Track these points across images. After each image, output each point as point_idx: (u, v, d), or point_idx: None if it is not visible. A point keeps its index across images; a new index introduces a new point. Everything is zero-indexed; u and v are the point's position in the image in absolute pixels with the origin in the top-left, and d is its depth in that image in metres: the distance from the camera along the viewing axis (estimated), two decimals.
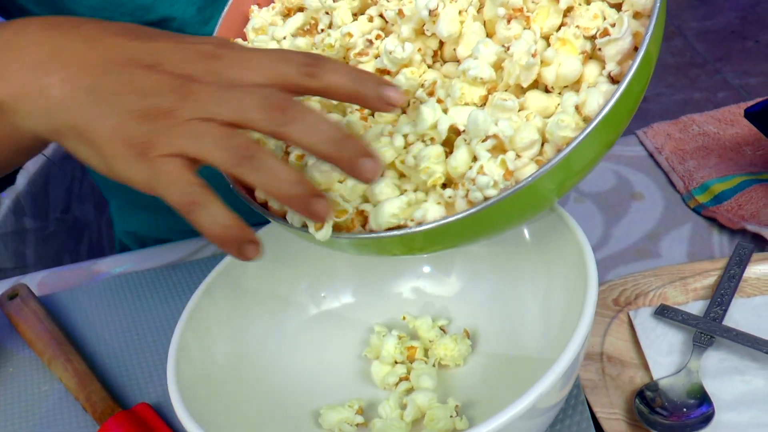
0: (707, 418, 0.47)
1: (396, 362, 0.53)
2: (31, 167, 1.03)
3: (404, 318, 0.55)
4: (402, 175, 0.42)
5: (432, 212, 0.39)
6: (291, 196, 0.36)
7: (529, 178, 0.36)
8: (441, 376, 0.52)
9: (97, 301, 0.70)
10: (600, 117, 0.36)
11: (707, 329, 0.52)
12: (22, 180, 1.00)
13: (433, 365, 0.52)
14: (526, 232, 0.51)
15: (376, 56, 0.45)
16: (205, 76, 0.38)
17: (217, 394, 0.47)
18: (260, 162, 0.36)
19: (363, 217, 0.41)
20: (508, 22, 0.41)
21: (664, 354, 0.53)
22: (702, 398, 0.48)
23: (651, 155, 0.77)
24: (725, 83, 2.53)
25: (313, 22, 0.49)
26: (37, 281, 0.75)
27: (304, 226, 0.41)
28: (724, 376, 0.50)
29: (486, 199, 0.37)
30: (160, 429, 0.55)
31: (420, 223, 0.39)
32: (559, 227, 0.47)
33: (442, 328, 0.54)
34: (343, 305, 0.57)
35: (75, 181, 1.13)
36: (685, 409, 0.48)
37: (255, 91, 0.37)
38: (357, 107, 0.44)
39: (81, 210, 1.11)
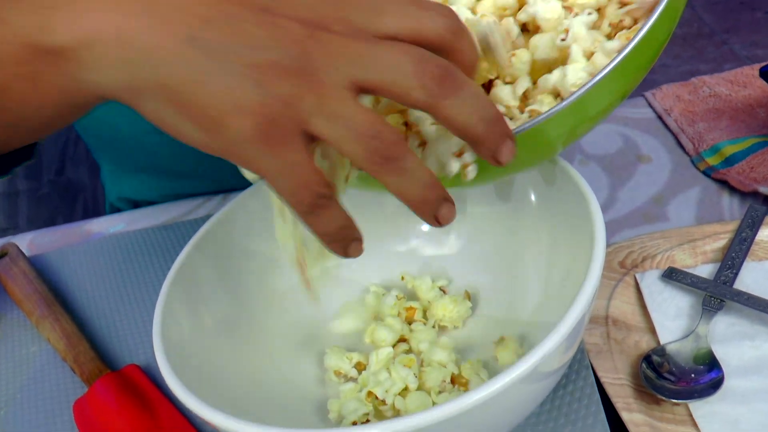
0: (716, 384, 0.45)
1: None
2: None
3: (403, 278, 0.53)
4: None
5: None
6: (423, 201, 0.33)
7: (548, 113, 0.34)
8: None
9: (88, 262, 0.68)
10: (625, 53, 0.34)
11: (717, 293, 0.50)
12: None
13: (433, 326, 0.50)
14: (529, 188, 0.49)
15: None
16: (332, 23, 0.31)
17: (205, 355, 0.45)
18: (403, 165, 0.31)
19: None
20: None
21: (672, 318, 0.51)
22: (711, 364, 0.46)
23: (659, 117, 0.74)
24: (732, 54, 2.49)
25: None
26: (27, 241, 0.73)
27: None
28: (733, 342, 0.48)
29: None
30: (149, 391, 0.53)
31: None
32: (564, 184, 0.45)
33: (442, 289, 0.52)
34: (337, 263, 0.55)
35: (69, 143, 1.11)
36: (693, 375, 0.46)
37: (407, 50, 0.30)
38: None
39: (75, 172, 1.09)
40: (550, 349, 0.35)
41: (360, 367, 0.49)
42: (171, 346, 0.42)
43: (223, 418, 0.36)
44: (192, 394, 0.38)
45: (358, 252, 0.36)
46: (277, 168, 0.31)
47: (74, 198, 1.08)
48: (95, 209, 1.10)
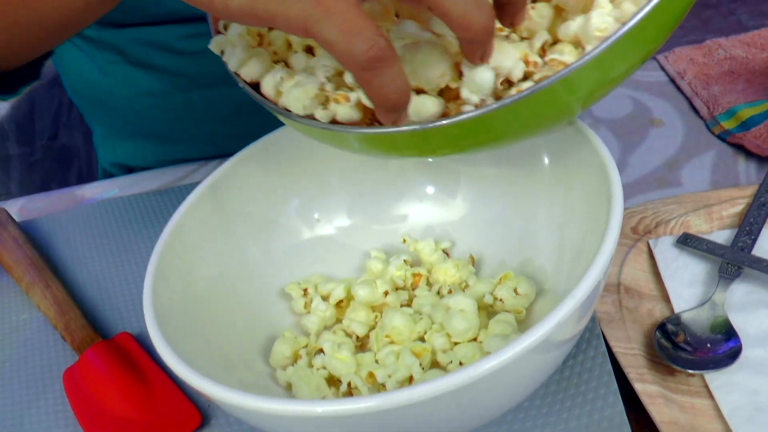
0: (734, 354, 0.43)
1: (397, 288, 0.49)
2: None
3: (404, 241, 0.51)
4: None
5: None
6: (393, 109, 0.31)
7: (569, 68, 0.32)
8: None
9: (80, 227, 0.66)
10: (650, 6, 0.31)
11: (735, 259, 0.48)
12: (4, 104, 0.95)
13: (437, 293, 0.48)
14: (542, 150, 0.46)
15: None
16: None
17: (198, 322, 0.43)
18: (387, 69, 0.30)
19: (367, 111, 0.36)
20: None
21: (686, 286, 0.49)
22: (728, 333, 0.44)
23: (672, 80, 0.72)
24: (740, 25, 2.44)
25: None
26: (17, 207, 0.71)
27: (310, 117, 0.37)
28: (750, 310, 0.46)
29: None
30: (142, 359, 0.51)
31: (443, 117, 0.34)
32: (578, 143, 0.43)
33: (445, 251, 0.50)
34: (337, 228, 0.53)
35: (63, 107, 1.08)
36: (709, 345, 0.44)
37: None
38: None
39: (69, 137, 1.06)
40: (563, 317, 0.33)
41: (340, 308, 0.47)
42: (162, 313, 0.40)
43: (213, 387, 0.34)
44: (183, 362, 0.36)
45: (403, 121, 0.33)
46: (323, 9, 0.29)
47: (68, 164, 1.05)
48: (90, 175, 1.08)
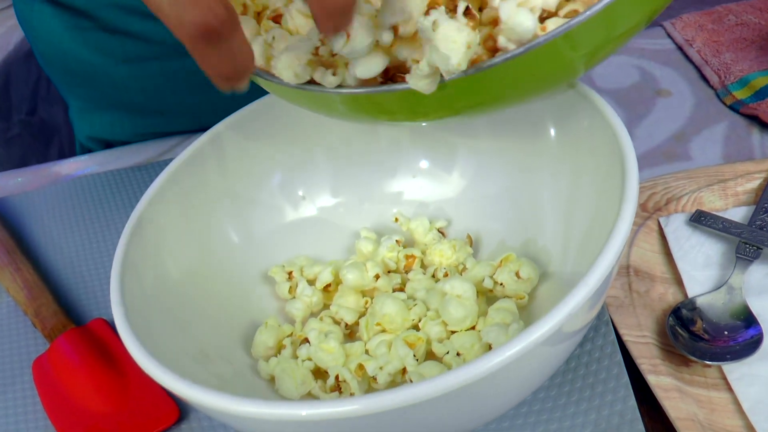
0: (755, 343, 0.39)
1: (389, 271, 0.45)
2: None
3: (396, 220, 0.47)
4: None
5: None
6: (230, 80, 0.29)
7: (578, 18, 0.28)
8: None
9: (55, 206, 0.63)
10: None
11: (753, 239, 0.45)
12: None
13: (432, 276, 0.44)
14: (547, 120, 0.43)
15: None
16: None
17: (172, 312, 0.39)
18: (225, 42, 0.27)
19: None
20: None
21: (701, 267, 0.45)
22: (747, 320, 0.41)
23: (680, 48, 0.68)
24: None
25: None
26: None
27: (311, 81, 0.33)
28: None
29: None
30: (117, 348, 0.48)
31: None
32: (586, 112, 0.39)
33: (440, 231, 0.47)
34: (323, 206, 0.49)
35: (42, 81, 1.04)
36: (726, 333, 0.41)
37: None
38: None
39: (49, 112, 1.03)
40: (576, 306, 0.29)
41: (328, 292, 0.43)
42: (132, 303, 0.36)
43: (184, 387, 0.31)
44: (153, 358, 0.33)
45: (244, 88, 0.30)
46: None
47: (48, 139, 1.02)
48: (72, 152, 1.04)
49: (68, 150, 1.04)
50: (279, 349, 0.42)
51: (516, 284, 0.41)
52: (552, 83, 0.34)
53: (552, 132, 0.42)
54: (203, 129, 0.45)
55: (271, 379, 0.41)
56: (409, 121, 0.36)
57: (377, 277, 0.43)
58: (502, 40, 0.29)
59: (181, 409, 0.43)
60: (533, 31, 0.29)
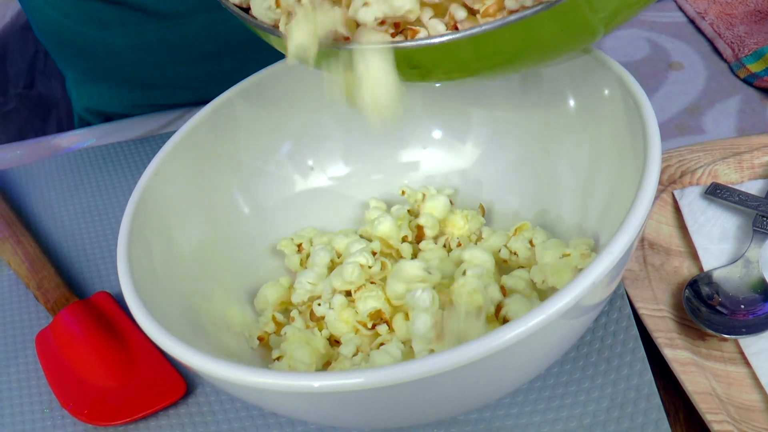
0: None
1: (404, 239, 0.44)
2: None
3: (403, 193, 0.46)
4: None
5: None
6: None
7: None
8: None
9: (55, 179, 0.62)
10: None
11: None
12: None
13: (444, 246, 0.44)
14: (564, 86, 0.41)
15: None
16: None
17: (179, 283, 0.38)
18: None
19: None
20: None
21: (716, 241, 0.44)
22: (764, 293, 0.40)
23: (692, 21, 0.67)
24: None
25: None
26: None
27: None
28: None
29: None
30: (121, 321, 0.47)
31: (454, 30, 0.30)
32: (607, 80, 0.38)
33: (450, 200, 0.46)
34: (333, 176, 0.48)
35: (39, 54, 1.02)
36: (743, 306, 0.40)
37: None
38: None
39: (47, 86, 1.01)
40: (596, 278, 0.28)
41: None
42: (139, 275, 0.35)
43: (194, 356, 0.30)
44: (162, 329, 0.32)
45: None
46: None
47: (47, 113, 1.00)
48: (70, 126, 1.03)
49: (66, 124, 1.02)
50: (282, 309, 0.41)
51: (529, 252, 0.41)
52: (572, 43, 0.33)
53: (571, 101, 0.41)
54: (202, 102, 0.44)
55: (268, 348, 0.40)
56: (422, 81, 0.35)
57: (405, 238, 0.43)
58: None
59: (188, 383, 0.43)
60: None
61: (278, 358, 0.38)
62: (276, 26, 0.33)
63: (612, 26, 0.33)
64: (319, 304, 0.40)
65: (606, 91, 0.38)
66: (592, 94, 0.39)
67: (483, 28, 0.29)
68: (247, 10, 0.35)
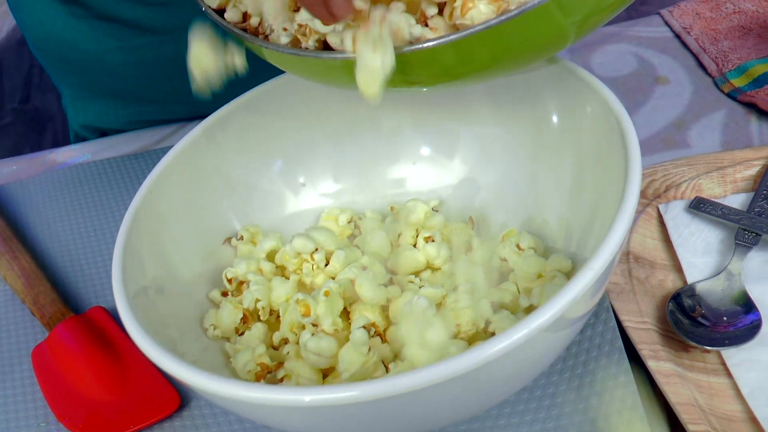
0: (753, 329, 0.40)
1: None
2: None
3: (392, 209, 0.47)
4: None
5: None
6: None
7: None
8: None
9: (51, 194, 0.62)
10: None
11: (752, 225, 0.45)
12: None
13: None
14: (548, 104, 0.42)
15: None
16: None
17: (173, 299, 0.39)
18: None
19: None
20: None
21: (700, 254, 0.45)
22: (746, 306, 0.41)
23: (678, 36, 0.68)
24: None
25: None
26: None
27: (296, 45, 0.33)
28: None
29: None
30: (116, 336, 0.48)
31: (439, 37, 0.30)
32: (589, 98, 0.39)
33: (434, 209, 0.47)
34: (323, 193, 0.48)
35: (34, 69, 1.04)
36: (726, 318, 0.41)
37: None
38: None
39: (42, 100, 1.02)
40: (579, 292, 0.29)
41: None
42: (133, 290, 0.36)
43: (189, 373, 0.31)
44: (156, 344, 0.33)
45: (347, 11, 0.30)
46: None
47: (42, 127, 1.01)
48: (66, 140, 1.03)
49: (62, 138, 1.03)
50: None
51: (518, 257, 0.41)
52: (543, 50, 0.34)
53: (555, 118, 0.42)
54: (198, 117, 0.45)
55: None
56: (406, 87, 0.36)
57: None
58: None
59: (182, 396, 0.43)
60: None
61: (282, 379, 0.39)
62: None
63: (585, 31, 0.34)
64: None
65: (589, 109, 0.39)
66: (576, 112, 0.40)
67: (457, 35, 0.30)
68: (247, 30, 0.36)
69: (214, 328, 0.41)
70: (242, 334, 0.41)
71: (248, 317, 0.41)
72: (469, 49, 0.31)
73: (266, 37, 0.35)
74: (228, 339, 0.42)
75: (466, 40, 0.30)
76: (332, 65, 0.33)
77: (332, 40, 0.33)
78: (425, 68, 0.32)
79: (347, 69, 0.32)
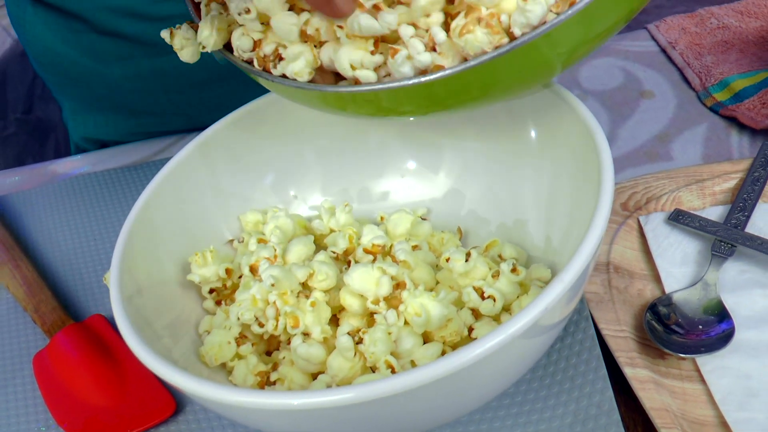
0: (727, 337, 0.41)
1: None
2: None
3: (382, 218, 0.48)
4: None
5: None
6: None
7: (557, 20, 0.30)
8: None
9: (52, 205, 0.64)
10: None
11: (728, 237, 0.46)
12: None
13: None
14: (528, 122, 0.44)
15: None
16: None
17: (168, 307, 0.41)
18: None
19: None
20: None
21: (678, 265, 0.47)
22: (721, 314, 0.43)
23: (663, 50, 0.69)
24: None
25: None
26: None
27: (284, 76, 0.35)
28: (743, 290, 0.45)
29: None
30: (114, 343, 0.49)
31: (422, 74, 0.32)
32: (564, 113, 0.40)
33: (422, 218, 0.48)
34: (313, 206, 0.50)
35: (37, 80, 1.05)
36: (701, 327, 0.43)
37: None
38: None
39: (45, 110, 1.04)
40: (552, 301, 0.31)
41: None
42: (130, 299, 0.38)
43: (183, 379, 0.32)
44: (150, 351, 0.34)
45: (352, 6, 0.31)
46: None
47: (44, 138, 1.03)
48: (68, 150, 1.05)
49: (64, 148, 1.05)
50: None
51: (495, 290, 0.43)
52: (531, 81, 0.35)
53: (533, 133, 0.44)
54: (197, 129, 0.46)
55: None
56: (398, 116, 0.37)
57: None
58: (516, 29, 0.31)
59: (177, 402, 0.45)
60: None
61: (275, 382, 0.41)
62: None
63: (571, 62, 0.35)
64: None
65: (565, 125, 0.41)
66: (553, 127, 0.42)
67: (446, 72, 0.32)
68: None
69: (209, 334, 0.43)
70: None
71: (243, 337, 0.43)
72: (463, 81, 0.32)
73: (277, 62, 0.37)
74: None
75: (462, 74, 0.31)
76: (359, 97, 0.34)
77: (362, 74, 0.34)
78: (414, 101, 0.34)
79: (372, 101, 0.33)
